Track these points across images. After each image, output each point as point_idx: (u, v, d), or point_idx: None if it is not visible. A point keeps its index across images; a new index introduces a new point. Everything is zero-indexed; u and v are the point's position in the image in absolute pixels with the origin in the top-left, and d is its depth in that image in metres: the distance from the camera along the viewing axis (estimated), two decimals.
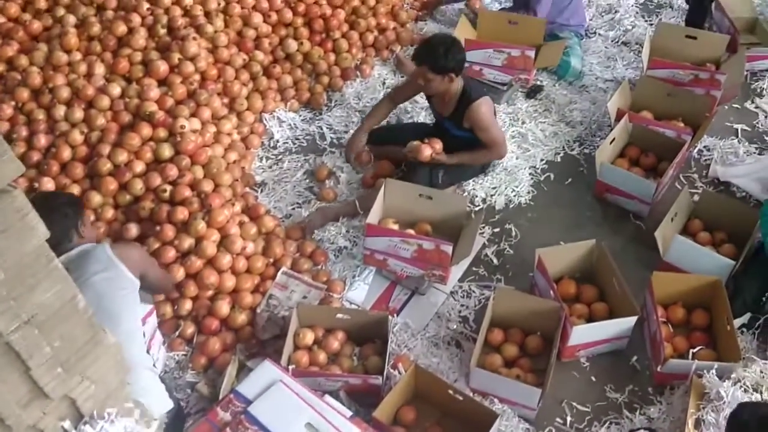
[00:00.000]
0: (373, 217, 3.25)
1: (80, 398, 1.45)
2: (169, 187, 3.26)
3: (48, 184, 3.25)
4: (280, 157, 3.93)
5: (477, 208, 3.64)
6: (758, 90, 4.33)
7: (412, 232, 3.26)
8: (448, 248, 3.09)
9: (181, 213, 3.16)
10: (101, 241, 2.74)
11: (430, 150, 3.46)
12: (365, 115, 3.92)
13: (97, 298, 2.36)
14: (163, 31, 3.83)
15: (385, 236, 3.15)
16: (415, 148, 3.47)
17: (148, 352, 2.52)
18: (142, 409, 1.51)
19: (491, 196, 3.72)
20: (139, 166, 3.31)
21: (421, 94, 3.81)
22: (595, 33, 4.75)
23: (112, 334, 2.20)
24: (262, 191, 3.71)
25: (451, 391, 2.66)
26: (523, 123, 4.09)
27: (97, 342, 1.42)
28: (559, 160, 3.93)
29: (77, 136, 3.39)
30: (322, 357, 2.89)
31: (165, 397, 2.44)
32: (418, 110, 4.14)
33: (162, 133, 3.43)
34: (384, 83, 4.34)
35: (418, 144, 3.48)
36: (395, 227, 3.27)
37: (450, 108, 3.54)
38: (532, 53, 4.13)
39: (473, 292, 3.30)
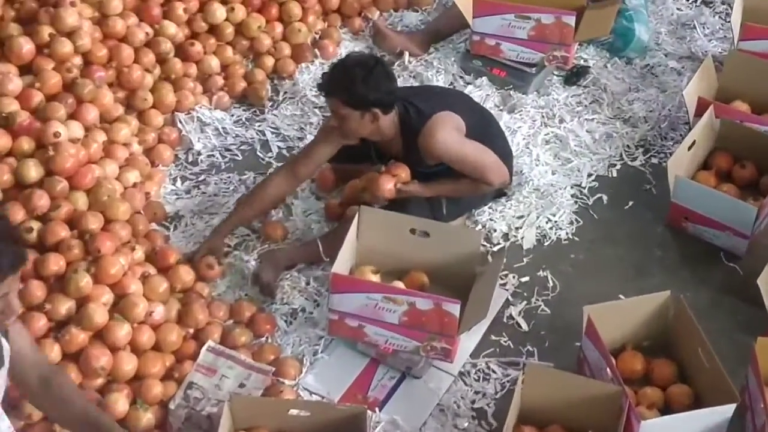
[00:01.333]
0: (341, 265, 3.23)
1: None
2: (36, 225, 3.22)
3: None
4: (202, 176, 3.93)
5: (496, 248, 3.64)
6: None
7: (401, 284, 3.24)
8: (455, 308, 3.06)
9: (55, 263, 3.12)
10: None
11: (391, 181, 3.46)
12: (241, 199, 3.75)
13: None
14: None
15: (360, 292, 3.13)
16: (371, 181, 3.47)
17: None
18: None
19: (517, 229, 3.72)
20: None
21: None
22: None
23: None
24: (176, 228, 3.70)
25: None
26: (562, 122, 4.13)
27: None
28: (614, 174, 3.97)
29: None
30: None
31: None
32: (432, 74, 4.29)
33: (26, 144, 3.41)
34: None
35: (373, 176, 3.48)
36: (375, 278, 3.25)
37: (397, 147, 3.58)
38: (572, 20, 4.16)
39: (493, 372, 3.27)
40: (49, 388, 2.43)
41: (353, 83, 3.30)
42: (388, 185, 3.44)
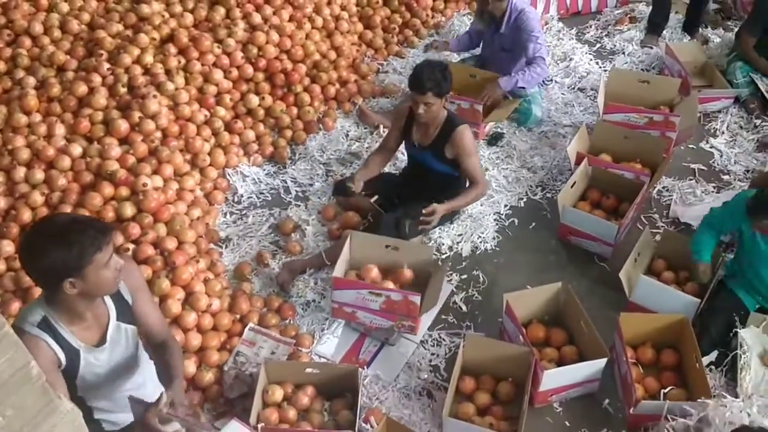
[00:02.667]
0: (339, 270, 3.21)
1: None
2: (131, 246, 3.20)
3: (7, 248, 3.17)
4: (244, 211, 3.89)
5: (443, 256, 3.62)
6: (712, 130, 4.42)
7: (389, 284, 3.22)
8: (416, 299, 3.05)
9: (145, 272, 3.09)
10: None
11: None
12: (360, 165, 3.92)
13: None
14: (123, 90, 3.81)
15: (352, 289, 3.11)
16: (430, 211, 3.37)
17: None
18: None
19: (457, 243, 3.70)
20: None
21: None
22: (551, 81, 4.82)
23: None
24: (226, 247, 3.66)
25: None
26: (486, 170, 4.10)
27: (52, 410, 1.33)
28: (522, 205, 3.94)
29: (38, 198, 3.33)
30: (291, 414, 2.81)
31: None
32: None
33: (124, 191, 3.39)
34: (347, 135, 4.35)
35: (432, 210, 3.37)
36: (375, 272, 3.26)
37: (432, 136, 3.52)
38: (480, 107, 4.14)
39: (443, 340, 3.26)
40: (165, 348, 2.38)
41: (442, 80, 3.32)
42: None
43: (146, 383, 2.41)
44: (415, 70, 3.40)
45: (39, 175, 3.41)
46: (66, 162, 3.46)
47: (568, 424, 2.94)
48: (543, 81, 4.70)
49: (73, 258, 1.98)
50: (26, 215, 3.28)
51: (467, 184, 3.58)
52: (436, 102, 3.36)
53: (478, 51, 4.84)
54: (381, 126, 4.35)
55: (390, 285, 3.20)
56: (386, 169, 3.99)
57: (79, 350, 2.15)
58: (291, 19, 4.46)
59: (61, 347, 2.10)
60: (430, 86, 3.32)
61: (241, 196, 3.96)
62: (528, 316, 3.19)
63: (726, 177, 4.09)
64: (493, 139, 4.32)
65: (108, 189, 3.36)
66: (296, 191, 4.01)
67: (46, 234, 2.01)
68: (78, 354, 2.15)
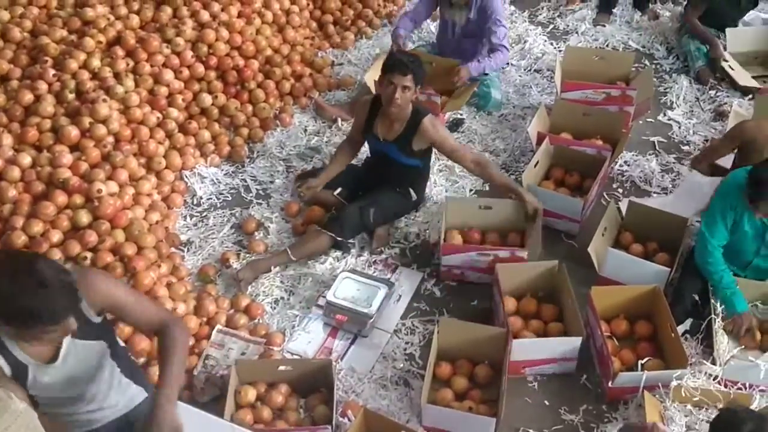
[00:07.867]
0: (437, 235, 3.38)
1: None
2: (89, 254, 3.10)
3: None
4: (204, 213, 3.79)
5: (411, 245, 3.57)
6: (668, 103, 4.45)
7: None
8: (524, 253, 3.21)
9: None
10: None
11: None
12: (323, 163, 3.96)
13: None
14: (71, 96, 3.69)
15: (461, 253, 3.28)
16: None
17: None
18: None
19: (425, 231, 3.65)
20: (56, 236, 3.14)
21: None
22: (507, 64, 4.80)
23: None
24: (188, 250, 3.56)
25: None
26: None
27: (2, 408, 1.23)
28: (487, 188, 3.90)
29: None
30: (266, 413, 2.74)
31: None
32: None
33: (78, 199, 3.28)
34: (306, 130, 4.28)
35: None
36: (459, 237, 3.41)
37: (397, 130, 3.45)
38: (438, 99, 4.11)
39: (417, 328, 3.21)
40: (160, 337, 2.22)
41: (419, 65, 3.31)
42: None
43: (105, 402, 2.28)
44: (392, 56, 3.42)
45: None
46: (15, 173, 3.33)
47: (547, 402, 2.91)
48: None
49: (24, 314, 1.83)
50: None
51: (429, 173, 3.71)
52: (412, 87, 3.31)
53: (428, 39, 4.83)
54: (339, 119, 4.29)
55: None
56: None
57: (28, 366, 2.04)
58: (240, 15, 4.37)
59: (7, 360, 1.99)
60: (413, 68, 3.29)
61: (200, 198, 3.85)
62: (519, 290, 3.21)
63: (686, 148, 4.12)
64: (454, 125, 4.28)
65: (61, 197, 3.25)
66: (257, 189, 3.92)
67: (25, 272, 1.85)
68: (26, 369, 2.03)
